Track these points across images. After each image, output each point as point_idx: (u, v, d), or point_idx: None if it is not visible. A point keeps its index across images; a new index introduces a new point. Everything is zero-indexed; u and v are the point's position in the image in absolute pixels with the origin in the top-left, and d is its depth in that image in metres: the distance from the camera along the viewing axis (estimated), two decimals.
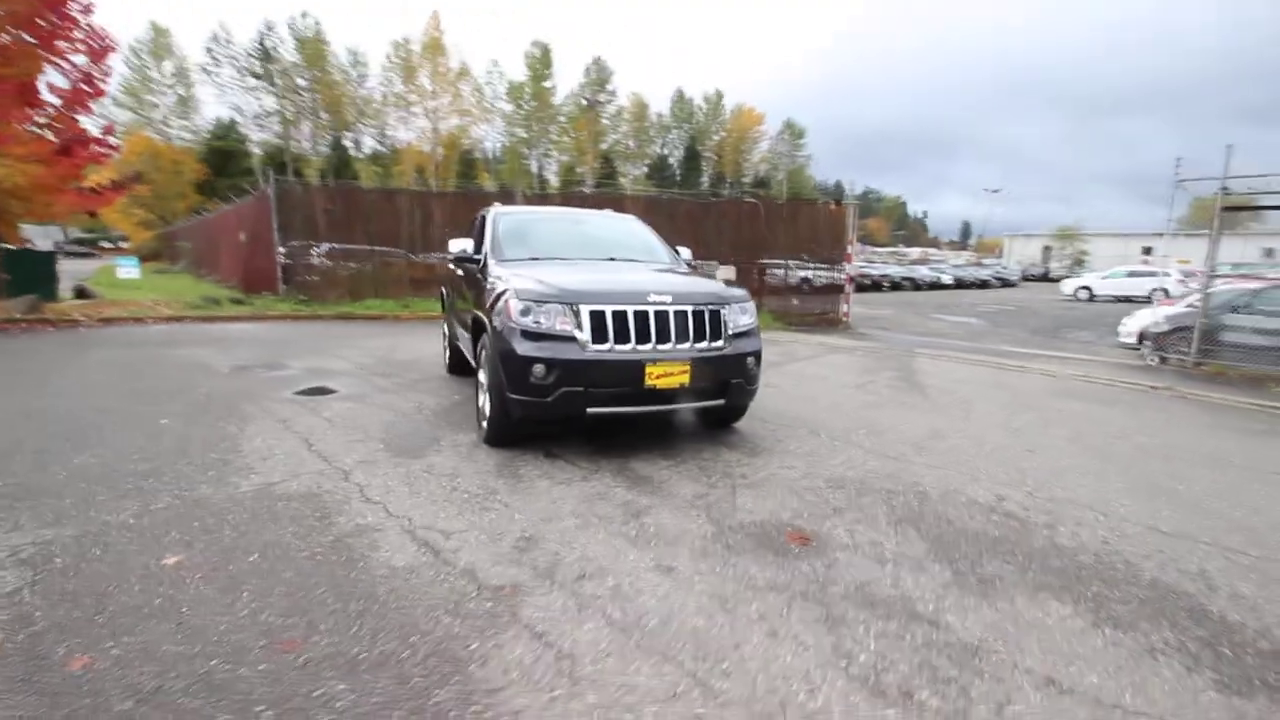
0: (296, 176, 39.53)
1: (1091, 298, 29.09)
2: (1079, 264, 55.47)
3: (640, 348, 3.67)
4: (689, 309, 3.80)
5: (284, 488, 3.28)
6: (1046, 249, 62.69)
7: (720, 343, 3.90)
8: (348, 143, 55.27)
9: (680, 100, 71.53)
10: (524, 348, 3.61)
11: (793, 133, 79.30)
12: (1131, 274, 29.56)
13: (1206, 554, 2.75)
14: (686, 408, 4.00)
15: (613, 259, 4.83)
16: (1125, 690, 1.85)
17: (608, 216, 5.92)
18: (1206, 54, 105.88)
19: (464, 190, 23.73)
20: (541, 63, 58.85)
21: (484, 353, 4.16)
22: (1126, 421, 5.46)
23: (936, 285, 35.27)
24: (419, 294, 14.12)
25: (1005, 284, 41.75)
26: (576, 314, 3.64)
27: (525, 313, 3.66)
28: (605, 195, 19.19)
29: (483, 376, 4.23)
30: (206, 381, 5.96)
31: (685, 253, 5.42)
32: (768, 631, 2.09)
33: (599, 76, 62.93)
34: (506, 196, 15.69)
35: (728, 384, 3.94)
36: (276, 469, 3.55)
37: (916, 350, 9.92)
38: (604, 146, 65.90)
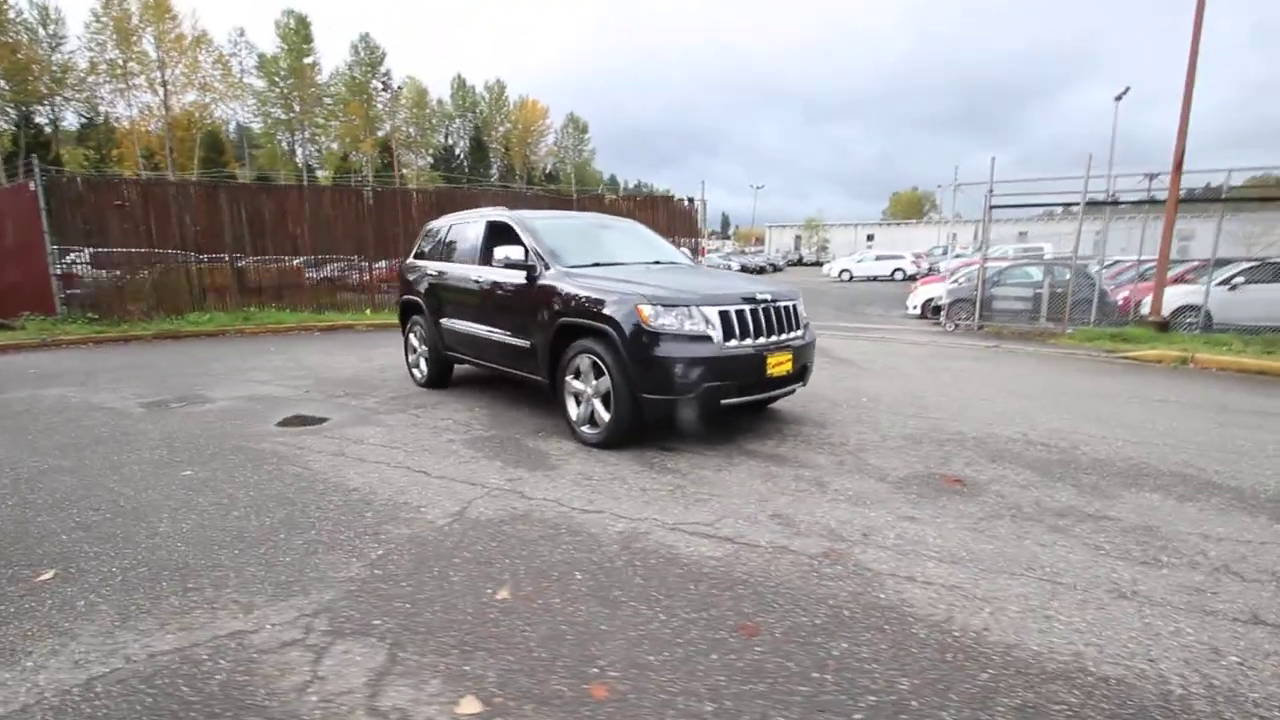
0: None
1: (852, 278, 35.02)
2: (824, 250, 65.84)
3: (759, 341, 4.12)
4: (782, 304, 4.34)
5: (477, 514, 3.13)
6: (798, 238, 73.18)
7: (800, 332, 4.50)
8: (42, 119, 43.45)
9: (461, 87, 68.90)
10: (667, 350, 3.83)
11: (577, 126, 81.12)
12: (879, 258, 36.14)
13: (1128, 441, 4.11)
14: (783, 392, 4.54)
15: (658, 262, 5.12)
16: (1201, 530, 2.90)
17: (618, 221, 6.09)
18: (899, 67, 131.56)
19: (298, 186, 20.36)
20: (298, 35, 52.27)
21: (578, 360, 4.23)
22: (1000, 371, 7.25)
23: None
24: (256, 303, 12.28)
25: (776, 269, 48.02)
26: (705, 315, 3.95)
27: (661, 317, 3.87)
28: (441, 189, 18.27)
29: (579, 384, 4.28)
30: (139, 426, 4.90)
31: (687, 253, 5.87)
32: (1036, 542, 2.79)
33: (369, 57, 57.84)
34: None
35: (806, 368, 4.56)
36: (436, 502, 3.33)
37: None
38: (381, 133, 60.98)
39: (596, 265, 4.71)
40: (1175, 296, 11.27)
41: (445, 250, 5.95)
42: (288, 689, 1.86)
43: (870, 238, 66.96)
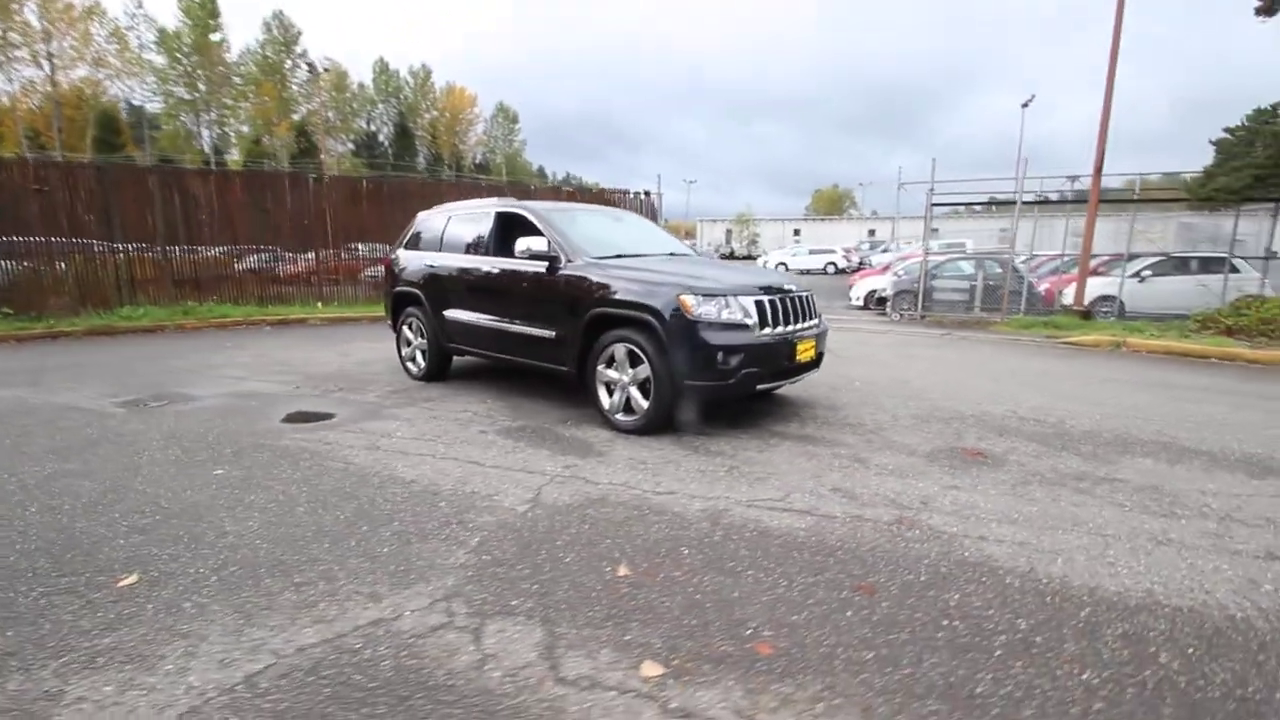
0: None
1: (787, 271, 36.24)
2: (754, 244, 67.60)
3: (787, 329, 4.33)
4: (803, 295, 4.58)
5: (553, 499, 3.18)
6: (729, 231, 74.78)
7: (817, 320, 4.75)
8: None
9: (384, 71, 66.04)
10: (710, 337, 3.98)
11: (506, 116, 79.50)
12: (812, 252, 37.54)
13: (1105, 415, 4.64)
14: (804, 377, 4.77)
15: (672, 254, 5.25)
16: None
17: (624, 214, 6.15)
18: (818, 71, 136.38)
19: (232, 171, 18.55)
20: (203, 10, 48.54)
21: (612, 349, 4.30)
22: (964, 356, 7.83)
23: None
24: (192, 296, 11.49)
25: None
26: (742, 304, 4.12)
27: (701, 306, 4.01)
28: (392, 178, 17.60)
29: (612, 372, 4.36)
30: (130, 426, 4.61)
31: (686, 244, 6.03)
32: (1069, 503, 3.13)
33: (283, 35, 54.45)
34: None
35: (822, 354, 4.83)
36: (505, 491, 3.35)
37: None
38: (297, 117, 57.64)
39: (619, 256, 4.79)
40: (1094, 287, 12.41)
41: (445, 241, 5.84)
42: (465, 667, 1.89)
43: (797, 232, 69.17)
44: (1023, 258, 14.46)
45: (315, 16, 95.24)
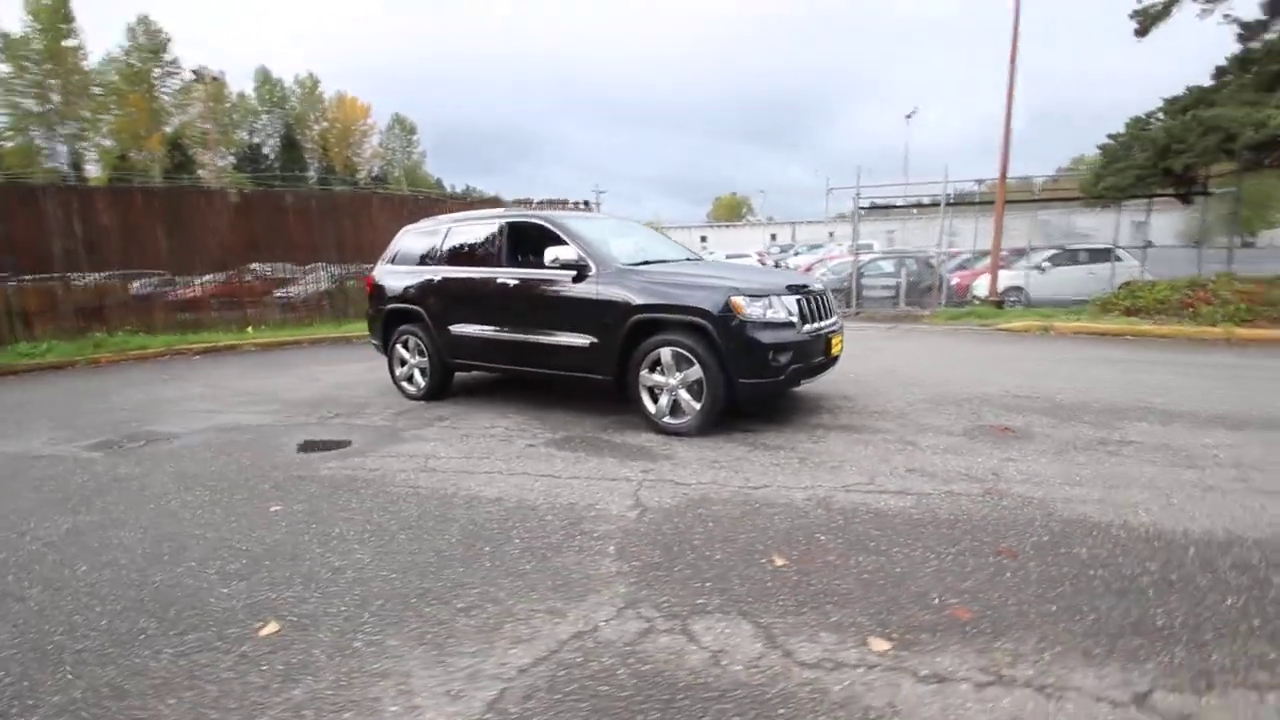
0: None
1: None
2: None
3: (820, 325, 4.56)
4: (824, 293, 4.82)
5: (656, 503, 3.20)
6: None
7: (836, 317, 5.02)
8: None
9: (267, 81, 61.88)
10: (761, 336, 4.12)
11: (404, 127, 76.67)
12: (728, 256, 38.78)
13: (1083, 389, 5.23)
14: (829, 371, 5.01)
15: (689, 259, 5.37)
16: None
17: (630, 222, 6.17)
18: (712, 83, 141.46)
19: (143, 188, 16.30)
20: (55, 14, 43.53)
21: (657, 353, 4.35)
22: (922, 347, 8.46)
23: None
24: (98, 327, 10.32)
25: None
26: (785, 304, 4.30)
27: (749, 306, 4.15)
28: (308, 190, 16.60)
29: (657, 376, 4.40)
30: (124, 470, 4.17)
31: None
32: (1112, 465, 3.52)
33: (150, 43, 49.79)
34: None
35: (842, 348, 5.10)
36: (602, 499, 3.32)
37: None
38: (169, 129, 52.80)
39: (646, 263, 4.84)
40: (1002, 279, 13.72)
41: (446, 254, 5.65)
42: (702, 665, 1.91)
43: (704, 238, 71.21)
44: (936, 255, 15.75)
45: (187, 23, 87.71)
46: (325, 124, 67.12)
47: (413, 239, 6.01)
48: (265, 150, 62.08)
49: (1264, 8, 10.91)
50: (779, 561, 2.54)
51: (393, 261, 6.08)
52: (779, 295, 4.27)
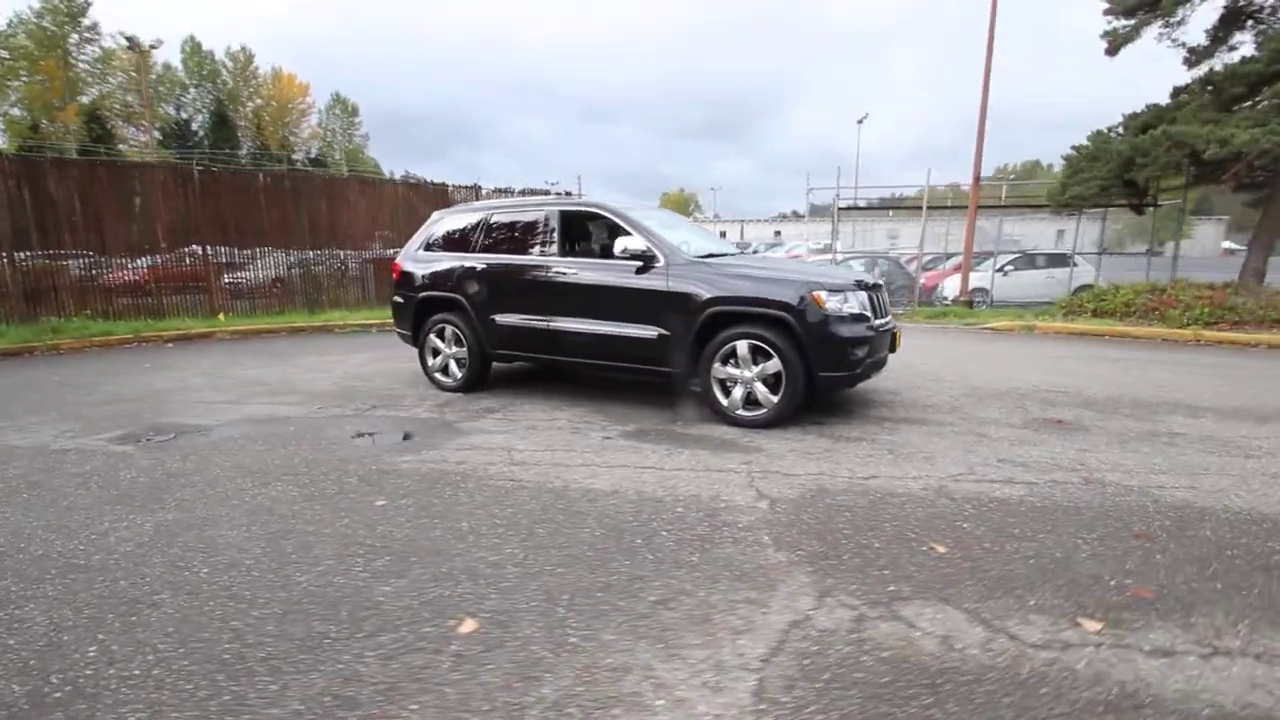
0: None
1: None
2: None
3: (885, 320, 4.68)
4: (882, 289, 4.95)
5: (779, 494, 3.22)
6: None
7: (891, 312, 5.16)
8: None
9: (196, 53, 58.01)
10: (842, 331, 4.20)
11: (345, 109, 73.44)
12: None
13: (1106, 385, 5.60)
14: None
15: (740, 251, 5.40)
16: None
17: (674, 214, 6.12)
18: (659, 78, 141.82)
19: (96, 162, 14.44)
20: None
21: (733, 345, 4.37)
22: (923, 343, 8.79)
23: None
24: (48, 311, 9.47)
25: None
26: (859, 298, 4.39)
27: (831, 301, 4.22)
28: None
29: (730, 369, 4.42)
30: (173, 465, 3.88)
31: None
32: (1175, 455, 3.78)
33: (66, 5, 45.75)
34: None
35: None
36: (723, 493, 3.32)
37: None
38: (86, 100, 48.79)
39: (711, 256, 4.84)
40: (970, 281, 14.41)
41: (489, 242, 5.48)
42: (936, 649, 1.95)
43: None
44: (905, 256, 16.40)
45: None
46: (260, 101, 63.50)
47: (449, 224, 5.79)
48: (195, 127, 58.20)
49: (1209, 34, 11.88)
50: (940, 549, 2.61)
51: (426, 247, 5.85)
52: (853, 291, 4.36)
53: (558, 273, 5.04)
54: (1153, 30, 11.00)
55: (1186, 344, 8.33)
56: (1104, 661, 1.89)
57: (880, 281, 4.86)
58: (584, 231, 5.27)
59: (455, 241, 5.67)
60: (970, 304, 13.76)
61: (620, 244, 4.62)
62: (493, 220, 5.51)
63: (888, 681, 1.81)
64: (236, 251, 11.70)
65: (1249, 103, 9.32)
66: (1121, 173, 11.12)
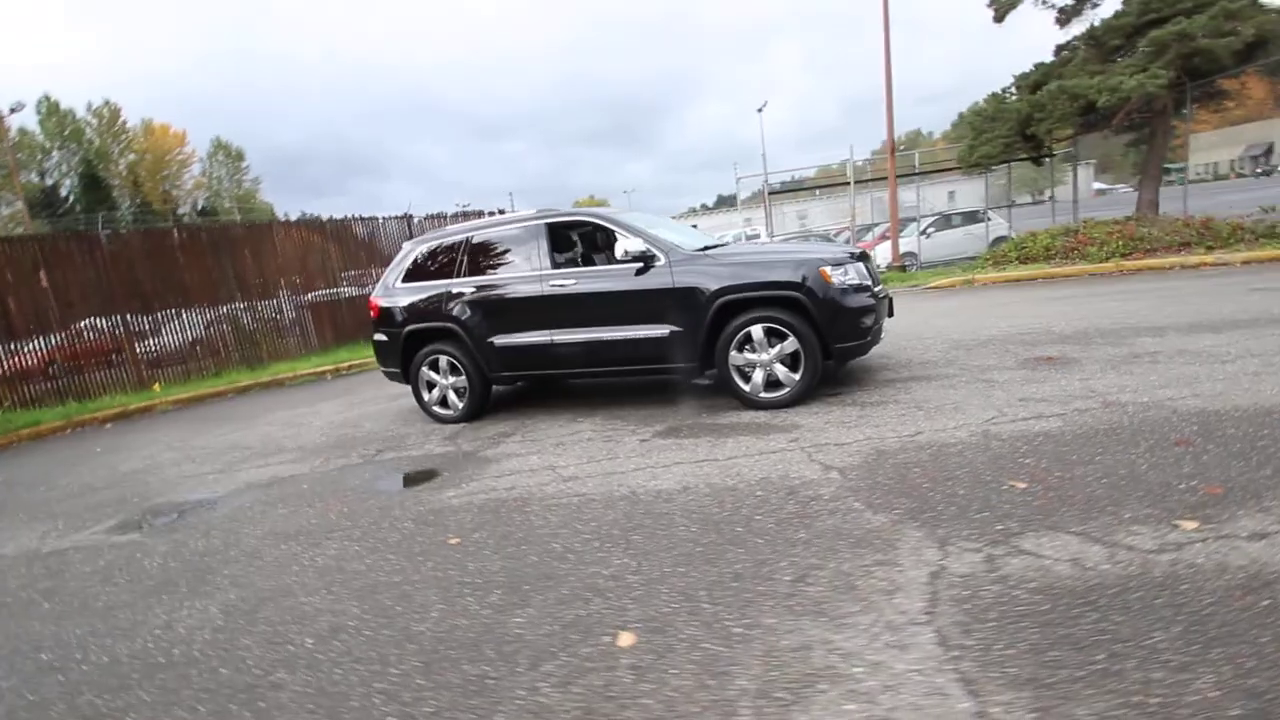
0: None
1: None
2: None
3: (882, 287, 4.90)
4: (873, 259, 5.19)
5: (844, 463, 3.33)
6: None
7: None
8: None
9: (54, 112, 53.32)
10: (851, 301, 4.37)
11: (229, 154, 69.37)
12: None
13: (1067, 321, 6.08)
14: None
15: (726, 242, 5.52)
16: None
17: (655, 214, 6.16)
18: (554, 88, 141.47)
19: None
20: None
21: (748, 330, 4.46)
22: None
23: None
24: None
25: None
26: (858, 270, 4.58)
27: (836, 275, 4.39)
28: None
29: (748, 355, 4.51)
30: (195, 544, 3.62)
31: None
32: (1164, 371, 4.15)
33: None
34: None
35: None
36: (791, 472, 3.39)
37: None
38: None
39: (707, 249, 4.93)
40: (900, 245, 15.21)
41: (474, 265, 5.36)
42: (1073, 572, 2.08)
43: None
44: (835, 231, 17.14)
45: None
46: (133, 156, 59.07)
47: (425, 253, 5.62)
48: (63, 192, 53.47)
49: None
50: (1020, 485, 2.78)
51: (405, 279, 5.65)
52: (851, 262, 4.55)
53: (555, 285, 4.99)
54: None
55: (1112, 275, 9.14)
56: (1217, 553, 2.07)
57: (867, 254, 5.08)
58: (573, 241, 5.24)
59: (437, 269, 5.51)
60: (904, 268, 14.52)
61: (620, 247, 4.63)
62: (475, 242, 5.39)
63: (1049, 608, 1.92)
64: (159, 315, 10.89)
65: (1125, 54, 10.29)
66: (1022, 129, 12.03)
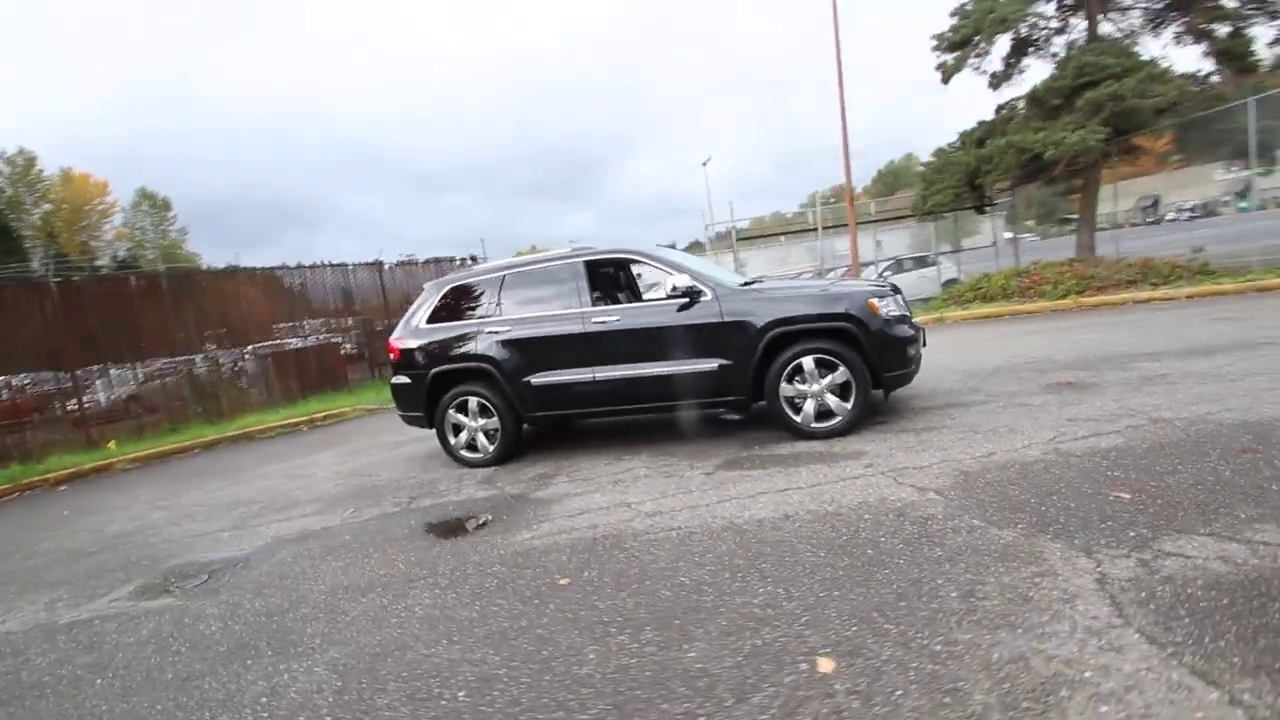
0: None
1: None
2: None
3: (917, 321, 5.12)
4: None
5: (924, 484, 3.39)
6: None
7: None
8: None
9: None
10: (898, 332, 4.54)
11: (154, 204, 66.32)
12: None
13: (1063, 351, 6.49)
14: None
15: (759, 279, 5.65)
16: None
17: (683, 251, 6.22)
18: (495, 144, 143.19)
19: None
20: None
21: (799, 362, 4.55)
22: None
23: None
24: None
25: None
26: (899, 302, 4.78)
27: (883, 307, 4.56)
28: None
29: (799, 386, 4.58)
30: (239, 607, 3.32)
31: None
32: (1183, 392, 4.47)
33: None
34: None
35: None
36: (894, 496, 3.43)
37: None
38: None
39: (750, 284, 5.04)
40: None
41: (511, 303, 5.27)
42: (1241, 561, 2.19)
43: None
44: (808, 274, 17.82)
45: None
46: (49, 206, 55.60)
47: (454, 293, 5.49)
48: None
49: (1004, 62, 14.40)
50: (1125, 495, 2.90)
51: (430, 320, 5.48)
52: (891, 296, 4.75)
53: (597, 322, 4.96)
54: (971, 61, 13.18)
55: (1072, 311, 9.85)
56: None
57: (897, 285, 5.31)
58: (613, 279, 5.25)
59: (467, 309, 5.39)
60: None
61: (669, 283, 4.67)
62: (509, 281, 5.32)
63: (1229, 602, 2.00)
64: (110, 368, 10.12)
65: (1064, 112, 11.38)
66: (970, 179, 13.01)
